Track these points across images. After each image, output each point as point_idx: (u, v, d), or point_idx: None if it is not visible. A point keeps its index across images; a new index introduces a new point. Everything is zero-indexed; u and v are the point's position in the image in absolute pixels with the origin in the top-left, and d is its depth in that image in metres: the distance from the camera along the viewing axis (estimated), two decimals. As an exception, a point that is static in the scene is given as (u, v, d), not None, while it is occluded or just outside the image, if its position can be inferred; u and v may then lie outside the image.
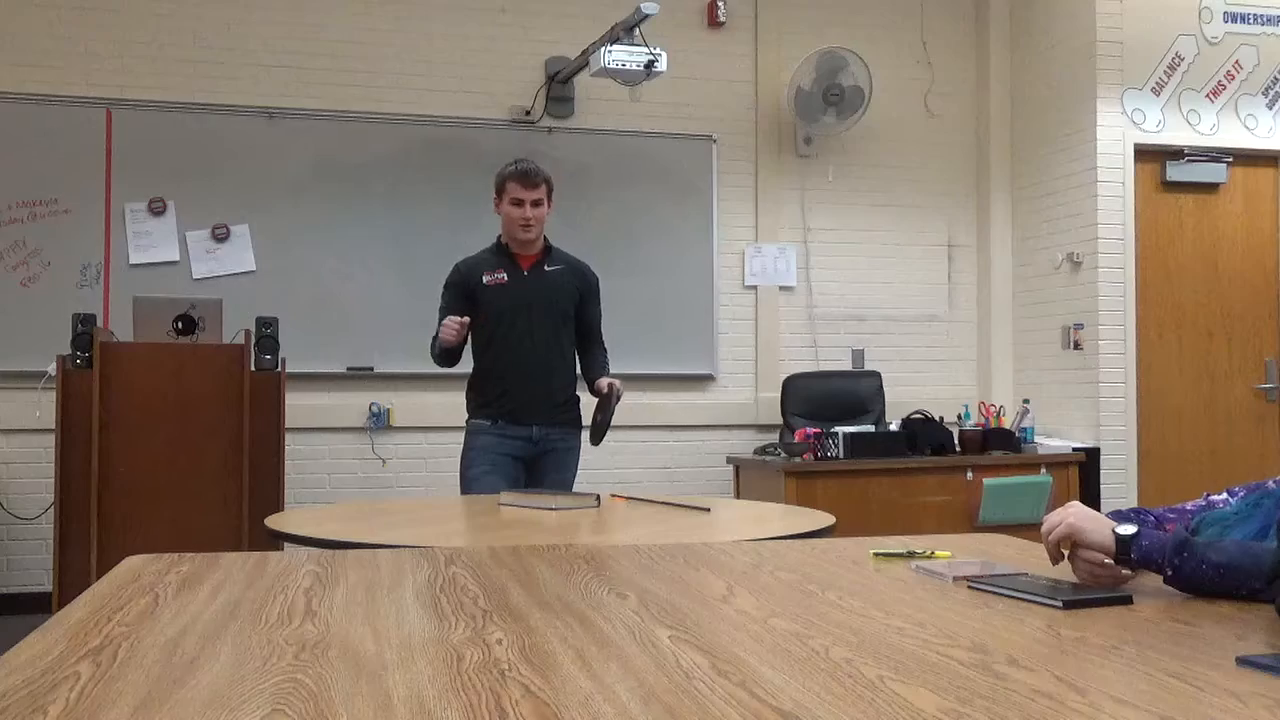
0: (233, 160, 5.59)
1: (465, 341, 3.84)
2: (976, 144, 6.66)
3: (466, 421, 3.93)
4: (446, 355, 3.84)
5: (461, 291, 3.87)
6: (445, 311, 3.83)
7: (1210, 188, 6.13)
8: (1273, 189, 6.25)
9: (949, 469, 5.34)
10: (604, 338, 4.06)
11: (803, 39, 6.27)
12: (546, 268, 3.91)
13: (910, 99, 6.54)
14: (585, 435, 4.01)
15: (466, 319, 3.72)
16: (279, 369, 4.70)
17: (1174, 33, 6.03)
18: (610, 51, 5.18)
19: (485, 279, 3.84)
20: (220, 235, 5.57)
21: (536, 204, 3.82)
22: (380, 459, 5.75)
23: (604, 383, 3.82)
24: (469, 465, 3.83)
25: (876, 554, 1.90)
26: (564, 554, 1.94)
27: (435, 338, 3.84)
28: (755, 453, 5.55)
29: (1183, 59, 6.04)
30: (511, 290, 3.84)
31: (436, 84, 5.86)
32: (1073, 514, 1.57)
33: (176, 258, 5.52)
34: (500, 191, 3.85)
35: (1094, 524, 1.55)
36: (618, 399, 3.78)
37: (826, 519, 2.70)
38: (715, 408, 6.21)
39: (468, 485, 3.80)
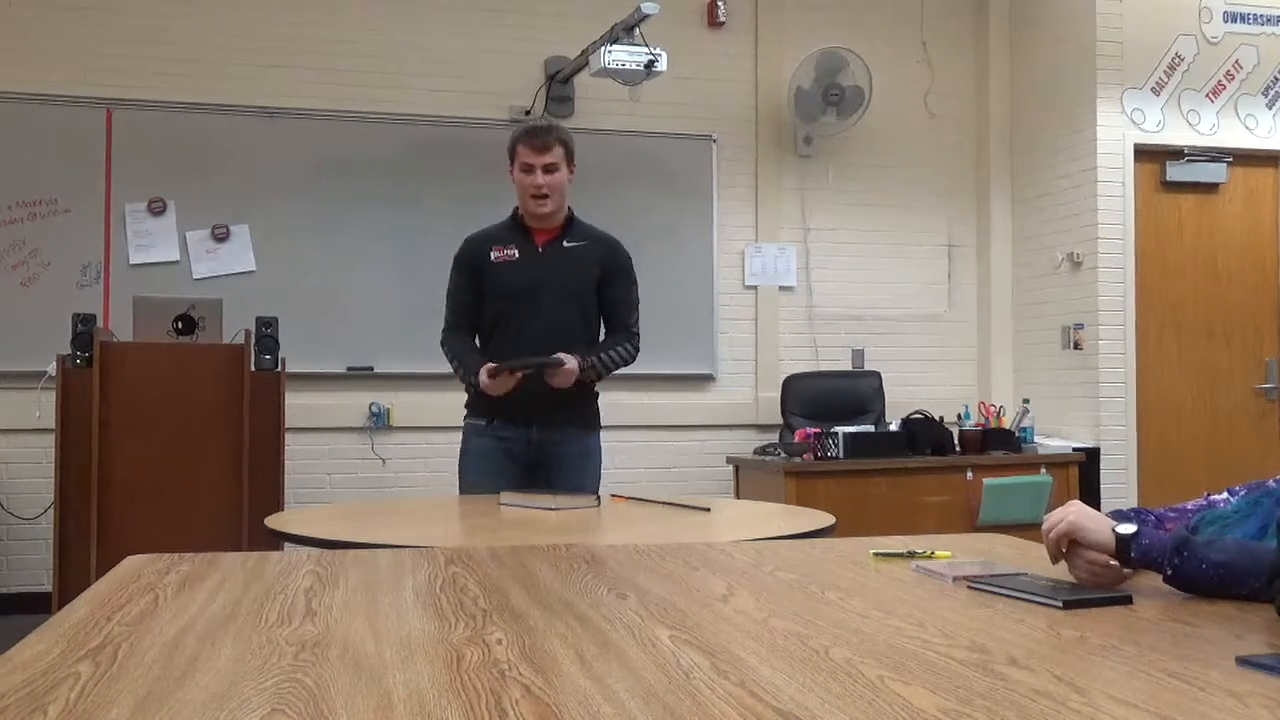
0: (233, 160, 5.59)
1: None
2: (976, 144, 6.66)
3: (464, 419, 3.54)
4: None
5: (469, 268, 3.45)
6: (453, 292, 3.47)
7: (1210, 188, 6.13)
8: (1273, 189, 6.25)
9: (949, 469, 5.34)
10: (638, 344, 3.52)
11: (803, 39, 6.27)
12: (566, 243, 3.42)
13: (910, 99, 6.54)
14: (601, 435, 3.59)
15: (497, 372, 3.22)
16: (279, 369, 4.70)
17: (1174, 33, 6.03)
18: (610, 51, 5.18)
19: (494, 255, 3.40)
20: (220, 235, 5.57)
21: (550, 169, 3.34)
22: (380, 459, 5.75)
23: (565, 356, 3.26)
24: (465, 471, 3.45)
25: (876, 554, 1.90)
26: (564, 554, 1.94)
27: (448, 334, 3.44)
28: (755, 453, 5.55)
29: (1183, 59, 6.04)
30: (521, 269, 3.39)
31: (436, 84, 5.86)
32: (1073, 512, 1.58)
33: (176, 258, 5.52)
34: (511, 156, 3.39)
35: (1094, 522, 1.55)
36: (544, 370, 3.23)
37: (826, 519, 2.70)
38: (715, 408, 6.21)
39: (467, 493, 3.43)
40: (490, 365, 3.26)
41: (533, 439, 3.40)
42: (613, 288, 3.48)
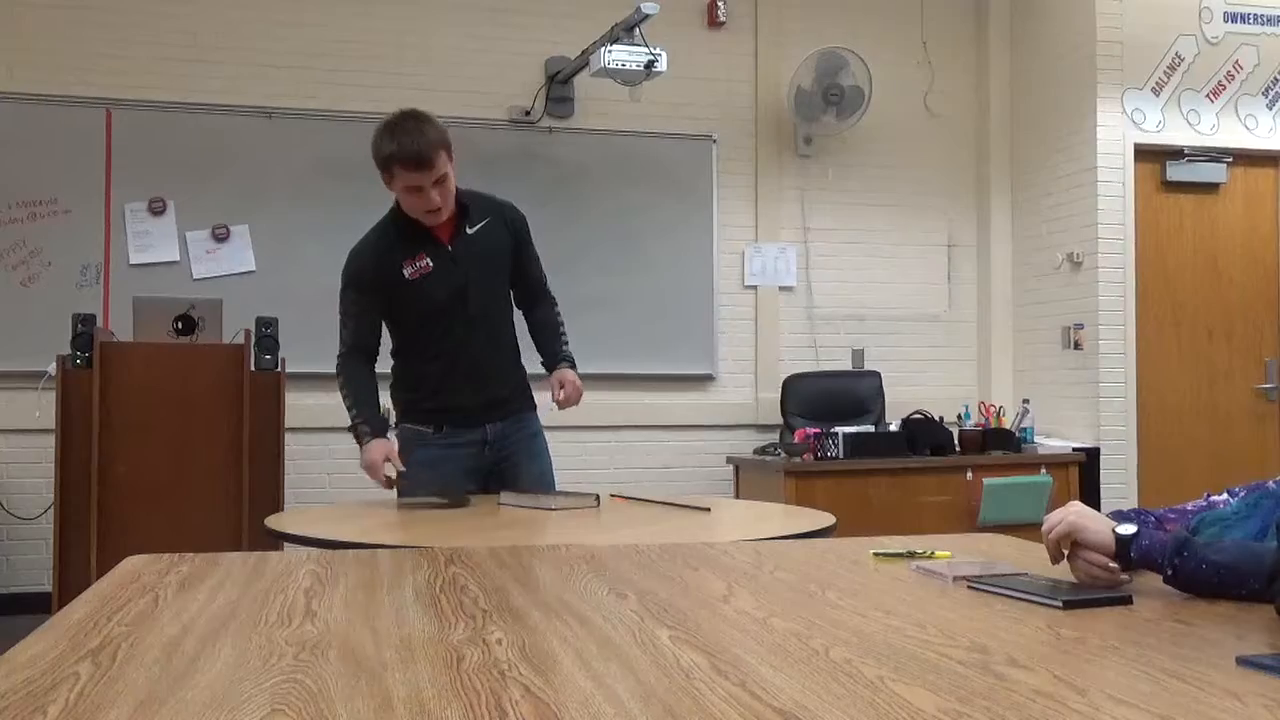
0: (233, 160, 5.59)
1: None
2: (976, 144, 6.66)
3: (398, 426, 3.24)
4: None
5: (379, 286, 3.09)
6: (357, 313, 3.13)
7: (1210, 188, 6.13)
8: (1273, 189, 6.25)
9: (949, 469, 5.34)
10: (557, 300, 3.38)
11: (803, 39, 6.27)
12: (469, 229, 3.12)
13: (910, 99, 6.54)
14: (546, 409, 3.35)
15: (395, 475, 3.01)
16: (279, 369, 4.70)
17: (1174, 33, 6.03)
18: (610, 51, 5.18)
19: (406, 271, 3.06)
20: (220, 235, 5.57)
21: (440, 181, 2.96)
22: (380, 459, 5.73)
23: (561, 379, 3.15)
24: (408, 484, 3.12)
25: (876, 554, 1.90)
26: (564, 554, 1.94)
27: (350, 361, 3.15)
28: (755, 453, 5.55)
29: (1183, 59, 6.04)
30: (441, 276, 3.07)
31: (436, 84, 5.86)
32: (1073, 513, 1.58)
33: (176, 258, 5.52)
34: (386, 172, 2.99)
35: (1094, 523, 1.55)
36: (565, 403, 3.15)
37: (826, 519, 2.70)
38: (715, 408, 6.21)
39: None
40: (391, 468, 3.01)
41: (489, 437, 3.21)
42: (524, 254, 3.25)
